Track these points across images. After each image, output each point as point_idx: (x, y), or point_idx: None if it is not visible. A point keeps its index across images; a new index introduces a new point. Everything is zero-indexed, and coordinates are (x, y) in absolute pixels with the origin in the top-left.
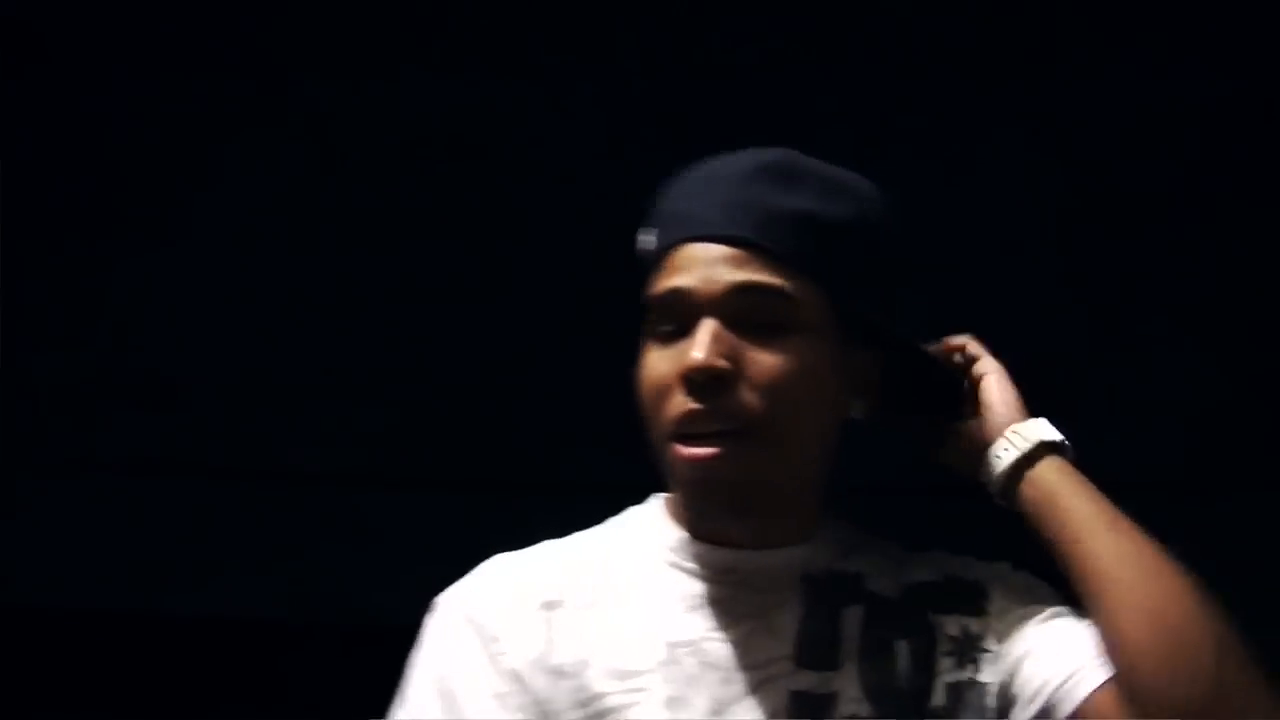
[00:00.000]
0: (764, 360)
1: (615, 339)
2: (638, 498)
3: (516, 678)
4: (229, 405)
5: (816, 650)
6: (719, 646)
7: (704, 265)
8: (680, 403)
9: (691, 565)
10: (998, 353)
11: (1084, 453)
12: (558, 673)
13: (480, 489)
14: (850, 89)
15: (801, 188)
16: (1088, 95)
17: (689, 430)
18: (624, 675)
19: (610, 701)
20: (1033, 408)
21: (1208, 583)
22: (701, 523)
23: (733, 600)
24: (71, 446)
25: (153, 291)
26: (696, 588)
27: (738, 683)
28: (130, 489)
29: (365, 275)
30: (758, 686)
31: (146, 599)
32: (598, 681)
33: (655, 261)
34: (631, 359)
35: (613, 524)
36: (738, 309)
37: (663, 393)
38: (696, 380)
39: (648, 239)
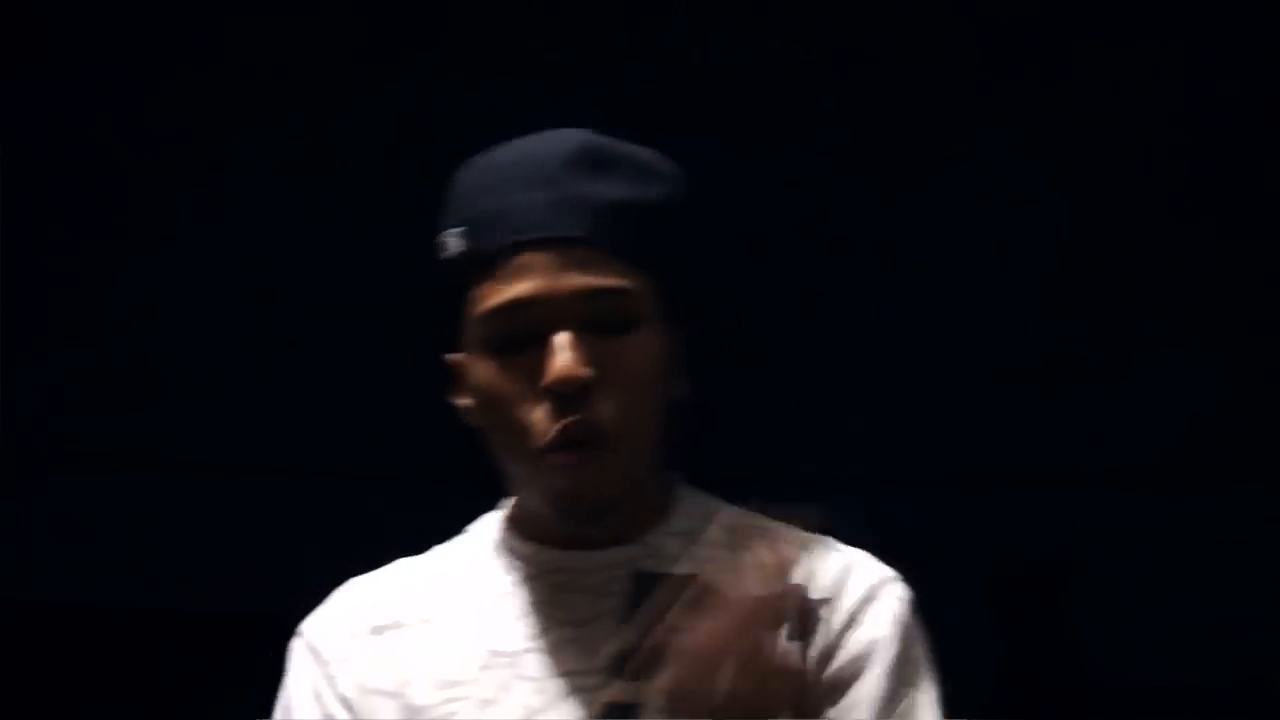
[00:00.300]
0: (618, 361)
1: None
2: None
3: (347, 704)
4: (227, 402)
5: (632, 658)
6: (537, 655)
7: (545, 272)
8: (546, 417)
9: (522, 568)
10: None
11: (1081, 448)
12: (384, 694)
13: (477, 483)
14: (851, 91)
15: (616, 174)
16: (1086, 102)
17: (559, 443)
18: (447, 685)
19: (431, 713)
20: (1032, 406)
21: (1197, 572)
22: (566, 529)
23: (559, 605)
24: (72, 443)
25: (151, 291)
26: (524, 593)
27: (551, 691)
28: (130, 485)
29: (363, 273)
30: (570, 695)
31: (144, 594)
32: (422, 695)
33: (473, 266)
34: None
35: (467, 532)
36: (586, 313)
37: (521, 408)
38: (563, 393)
39: (455, 241)
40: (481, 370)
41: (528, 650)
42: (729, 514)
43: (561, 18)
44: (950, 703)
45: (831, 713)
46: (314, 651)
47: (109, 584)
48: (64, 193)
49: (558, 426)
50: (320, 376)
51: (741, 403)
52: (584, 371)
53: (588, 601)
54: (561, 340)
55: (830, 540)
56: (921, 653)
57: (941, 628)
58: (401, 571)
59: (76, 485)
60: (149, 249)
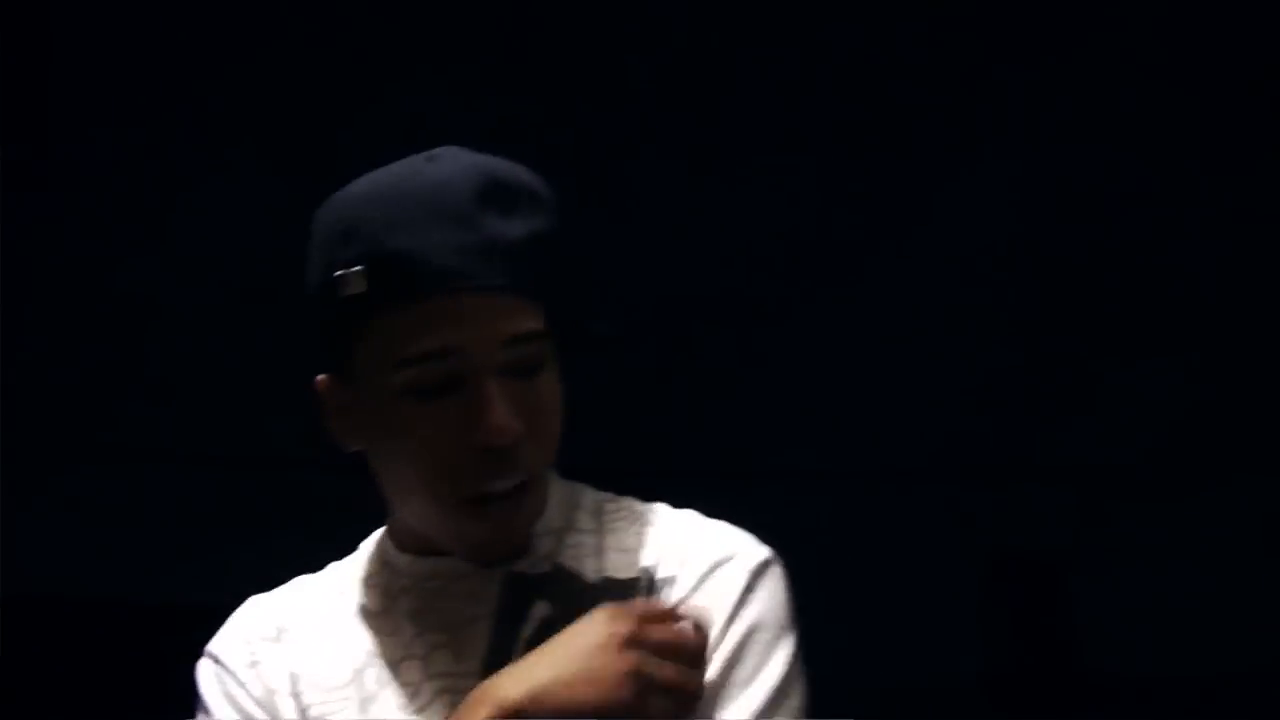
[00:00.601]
0: (536, 404)
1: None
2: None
3: (260, 704)
4: (228, 398)
5: (500, 658)
6: (413, 660)
7: (469, 320)
8: (472, 467)
9: (399, 579)
10: None
11: (1079, 444)
12: (285, 694)
13: None
14: (829, 98)
15: (517, 207)
16: (1074, 99)
17: (485, 492)
18: (325, 690)
19: (315, 712)
20: (1031, 404)
21: (1196, 566)
22: (473, 559)
23: (435, 611)
24: (70, 440)
25: (151, 290)
26: (403, 602)
27: (424, 694)
28: (137, 478)
29: None
30: (443, 697)
31: (141, 589)
32: (308, 694)
33: (381, 306)
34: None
35: (359, 549)
36: (508, 360)
37: (444, 456)
38: (495, 445)
39: (357, 280)
40: (394, 412)
41: (404, 656)
42: (595, 500)
43: (556, 24)
44: (946, 695)
45: None
46: (221, 664)
47: (107, 579)
48: (64, 191)
49: (486, 475)
50: (314, 371)
51: (739, 400)
52: (518, 427)
53: (462, 606)
54: (492, 393)
55: (694, 515)
56: (772, 618)
57: (941, 622)
58: (297, 587)
59: (74, 483)
60: (151, 251)
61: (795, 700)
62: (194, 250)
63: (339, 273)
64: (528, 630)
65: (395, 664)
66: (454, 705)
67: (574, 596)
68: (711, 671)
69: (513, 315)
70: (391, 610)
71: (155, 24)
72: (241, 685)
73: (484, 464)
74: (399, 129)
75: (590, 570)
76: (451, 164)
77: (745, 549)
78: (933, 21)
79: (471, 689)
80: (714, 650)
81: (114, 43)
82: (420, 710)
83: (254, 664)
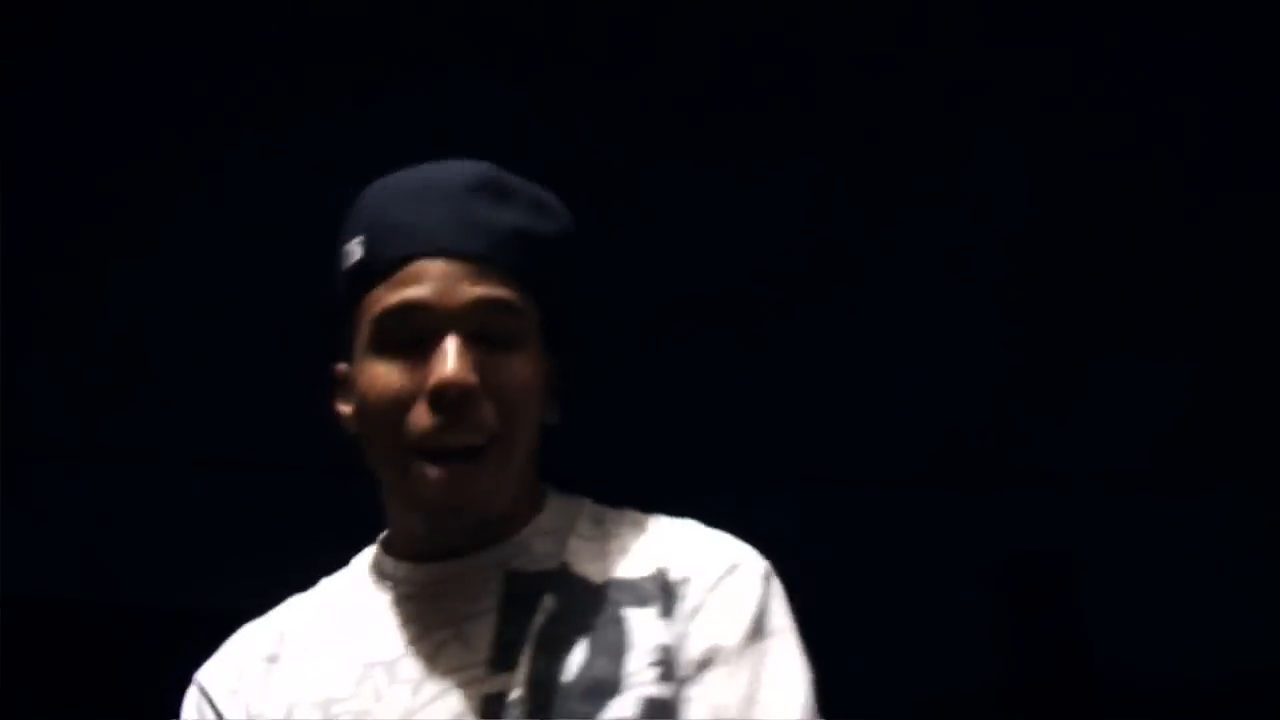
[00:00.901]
0: (501, 374)
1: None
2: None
3: None
4: (231, 401)
5: (507, 650)
6: (414, 659)
7: (441, 279)
8: (425, 418)
9: (394, 587)
10: None
11: (1085, 447)
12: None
13: None
14: (812, 109)
15: (514, 204)
16: (1076, 99)
17: (435, 445)
18: (327, 703)
19: None
20: (1034, 406)
21: (1202, 570)
22: (434, 541)
23: (435, 611)
24: (66, 440)
25: (152, 291)
26: (400, 609)
27: (428, 691)
28: (123, 482)
29: None
30: (447, 693)
31: (137, 591)
32: (305, 714)
33: (370, 274)
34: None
35: (350, 565)
36: (475, 323)
37: (400, 408)
38: (447, 396)
39: (355, 249)
40: (367, 371)
41: (404, 656)
42: (594, 510)
43: (558, 28)
44: (954, 702)
45: (686, 691)
46: (204, 692)
47: (102, 580)
48: (64, 192)
49: (431, 426)
50: (310, 374)
51: (739, 406)
52: (471, 378)
53: (463, 603)
54: (451, 345)
55: (693, 523)
56: (788, 622)
57: (946, 628)
58: (289, 607)
59: (74, 484)
60: (149, 252)
61: (815, 700)
62: (194, 252)
63: (343, 247)
64: (538, 621)
65: (395, 665)
66: (466, 698)
67: (581, 594)
68: (743, 678)
69: (485, 282)
70: (392, 617)
71: (157, 24)
72: (219, 714)
73: (435, 414)
74: (400, 132)
75: (595, 572)
76: (456, 165)
77: (750, 557)
78: (930, 21)
79: (481, 679)
80: (739, 654)
81: (114, 42)
82: (425, 706)
83: (234, 692)
